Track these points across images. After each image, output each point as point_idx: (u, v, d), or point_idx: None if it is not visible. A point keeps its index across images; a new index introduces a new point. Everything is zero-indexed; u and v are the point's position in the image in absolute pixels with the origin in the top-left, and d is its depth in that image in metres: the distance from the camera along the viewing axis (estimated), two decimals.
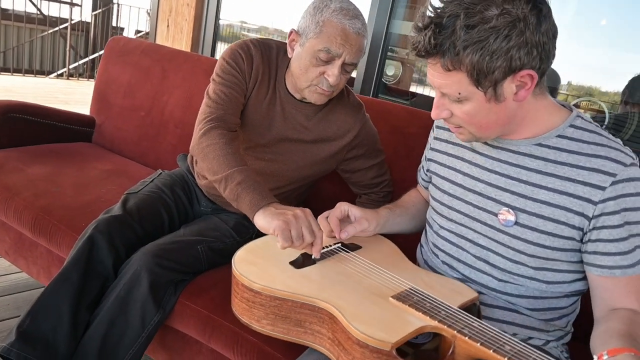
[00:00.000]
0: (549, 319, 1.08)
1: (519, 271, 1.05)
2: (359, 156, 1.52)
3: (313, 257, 1.10)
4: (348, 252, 1.15)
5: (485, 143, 1.08)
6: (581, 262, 1.02)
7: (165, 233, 1.47)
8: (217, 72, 1.41)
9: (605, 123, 1.99)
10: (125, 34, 8.43)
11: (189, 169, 1.67)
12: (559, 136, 1.00)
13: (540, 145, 1.01)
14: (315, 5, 1.32)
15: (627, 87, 2.05)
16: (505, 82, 0.91)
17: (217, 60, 2.16)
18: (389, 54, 2.31)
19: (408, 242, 1.32)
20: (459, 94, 0.94)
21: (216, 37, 3.06)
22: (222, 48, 3.24)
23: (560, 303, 1.08)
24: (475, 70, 0.89)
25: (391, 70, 2.41)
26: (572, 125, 1.01)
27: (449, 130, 1.19)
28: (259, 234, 1.52)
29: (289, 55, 1.39)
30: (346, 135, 1.47)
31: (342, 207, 1.19)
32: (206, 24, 3.02)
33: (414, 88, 2.56)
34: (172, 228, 1.50)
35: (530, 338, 1.08)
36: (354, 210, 1.19)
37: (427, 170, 1.27)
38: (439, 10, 0.91)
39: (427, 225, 1.27)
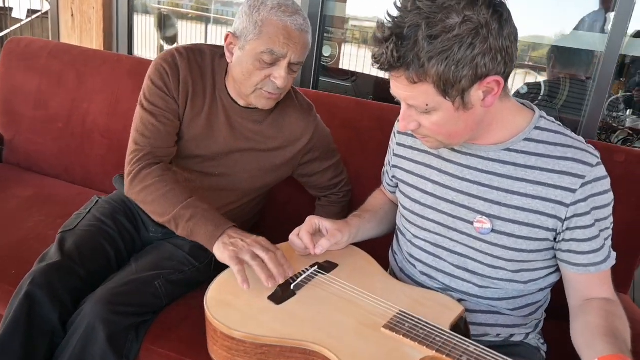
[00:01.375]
0: (527, 314, 1.11)
1: (498, 275, 1.06)
2: (315, 159, 1.45)
3: (292, 287, 1.02)
4: (325, 274, 1.08)
5: (453, 150, 1.07)
6: (554, 257, 1.05)
7: (114, 270, 1.32)
8: (144, 94, 1.29)
9: (542, 93, 2.03)
10: (15, 15, 7.56)
11: None
12: (526, 139, 1.00)
13: (508, 150, 1.01)
14: (250, 4, 1.20)
15: (552, 52, 2.08)
16: (472, 89, 0.89)
17: (139, 59, 1.98)
18: (325, 34, 2.20)
19: (377, 245, 1.27)
20: (427, 105, 0.91)
21: (132, 28, 2.78)
22: (141, 24, 2.96)
23: (537, 297, 1.11)
24: (441, 81, 0.86)
25: (327, 51, 2.31)
26: (537, 128, 1.01)
27: (412, 136, 1.15)
28: None
29: (228, 60, 1.27)
30: (299, 140, 1.39)
31: (313, 221, 1.15)
32: (118, 11, 2.74)
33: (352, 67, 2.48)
34: (120, 262, 1.36)
35: (512, 335, 1.11)
36: (325, 223, 1.15)
37: (393, 177, 1.24)
38: (397, 20, 0.87)
39: (398, 232, 1.24)
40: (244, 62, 1.21)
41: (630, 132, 1.84)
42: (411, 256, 1.17)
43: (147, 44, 3.24)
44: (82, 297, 1.18)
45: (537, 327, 1.16)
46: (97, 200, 1.49)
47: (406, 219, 1.17)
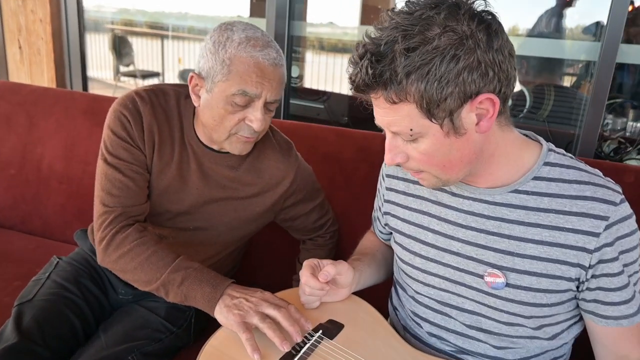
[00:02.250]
0: None
1: (518, 333, 0.93)
2: (298, 202, 1.32)
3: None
4: (330, 341, 0.94)
5: (453, 194, 0.95)
6: (577, 307, 0.93)
7: (81, 342, 1.17)
8: (105, 147, 1.15)
9: (527, 104, 1.94)
10: None
11: (92, 249, 1.35)
12: (536, 178, 0.89)
13: (517, 192, 0.89)
14: (215, 39, 1.07)
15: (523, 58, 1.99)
16: (463, 110, 0.78)
17: (94, 95, 1.83)
18: (293, 55, 2.09)
19: (372, 295, 1.14)
20: (411, 130, 0.80)
21: (85, 58, 2.61)
22: (94, 43, 2.77)
23: (560, 352, 1.00)
24: (424, 100, 0.76)
25: (295, 71, 2.20)
26: (546, 163, 0.89)
27: (403, 179, 1.05)
28: (198, 313, 1.30)
29: (195, 104, 1.14)
30: (281, 183, 1.26)
31: (311, 262, 1.02)
32: (69, 41, 2.57)
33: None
34: (88, 332, 1.20)
35: None
36: (324, 262, 1.02)
37: (386, 225, 1.11)
38: (374, 38, 0.78)
39: (397, 286, 1.12)
40: (213, 106, 1.09)
41: (622, 140, 1.76)
42: (416, 315, 1.05)
43: (102, 65, 3.07)
44: None
45: None
46: (57, 262, 1.33)
47: (406, 274, 1.05)
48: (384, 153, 1.42)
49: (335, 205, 1.44)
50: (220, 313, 0.99)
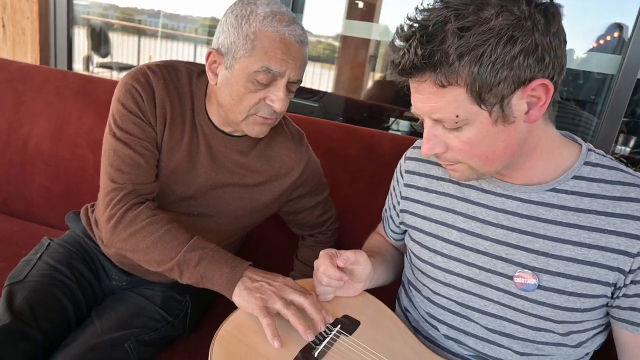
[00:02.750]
0: None
1: (544, 339, 0.89)
2: (304, 194, 1.29)
3: (315, 355, 0.85)
4: (348, 336, 0.91)
5: (484, 191, 0.92)
6: (606, 315, 0.89)
7: (73, 327, 1.12)
8: (114, 121, 1.08)
9: None
10: None
11: (85, 232, 1.30)
12: (576, 177, 0.85)
13: (555, 190, 0.86)
14: (237, 13, 1.01)
15: None
16: (514, 96, 0.75)
17: (88, 77, 1.76)
18: None
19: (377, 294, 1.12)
20: (457, 117, 0.76)
21: (71, 39, 2.53)
22: (81, 40, 2.71)
23: None
24: (476, 84, 0.72)
25: None
26: (587, 163, 0.86)
27: (426, 175, 1.02)
28: (194, 304, 1.26)
29: (211, 82, 1.08)
30: (290, 173, 1.22)
31: (330, 251, 0.97)
32: (55, 20, 2.48)
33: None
34: (80, 318, 1.15)
35: None
36: (343, 251, 0.98)
37: (401, 223, 1.08)
38: (421, 19, 0.74)
39: (410, 287, 1.08)
40: (233, 83, 1.03)
41: (623, 161, 1.77)
42: (431, 316, 1.00)
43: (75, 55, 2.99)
44: None
45: None
46: (49, 243, 1.26)
47: (423, 273, 1.01)
48: (390, 153, 1.44)
49: (337, 202, 1.42)
50: (239, 295, 0.94)
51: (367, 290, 1.06)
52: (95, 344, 1.03)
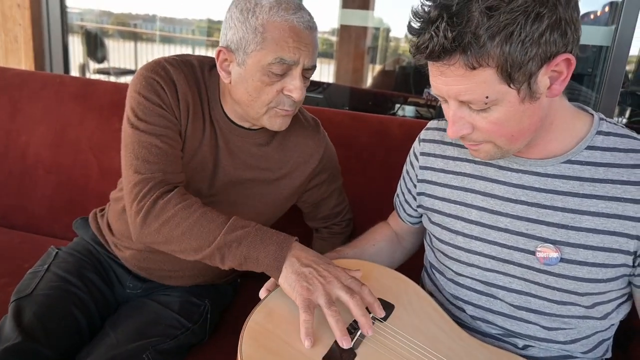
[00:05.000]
0: (601, 355, 0.95)
1: (570, 312, 0.89)
2: (322, 183, 1.24)
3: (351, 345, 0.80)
4: (383, 322, 0.87)
5: (501, 167, 0.91)
6: (627, 285, 0.89)
7: (86, 341, 1.07)
8: (135, 114, 1.02)
9: None
10: None
11: (95, 239, 1.25)
12: (589, 148, 0.85)
13: (570, 162, 0.85)
14: (241, 7, 0.97)
15: None
16: (540, 73, 0.74)
17: (87, 80, 1.71)
18: None
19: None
20: (487, 98, 0.75)
21: (67, 46, 2.47)
22: (76, 47, 2.66)
23: (608, 333, 0.95)
24: (507, 63, 0.71)
25: None
26: (599, 132, 0.85)
27: (442, 156, 0.99)
28: (212, 307, 1.21)
29: (225, 80, 1.04)
30: (309, 161, 1.18)
31: None
32: (49, 27, 2.43)
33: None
34: (93, 330, 1.10)
35: None
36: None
37: (419, 206, 1.06)
38: (442, 0, 0.71)
39: (433, 270, 1.06)
40: (248, 79, 0.99)
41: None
42: (457, 298, 0.99)
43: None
44: None
45: None
46: (57, 253, 1.21)
47: (445, 255, 0.99)
48: (401, 137, 1.38)
49: (349, 191, 1.37)
50: (285, 279, 0.87)
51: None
52: (112, 356, 0.98)
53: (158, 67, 1.03)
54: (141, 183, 0.98)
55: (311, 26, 0.99)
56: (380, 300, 0.89)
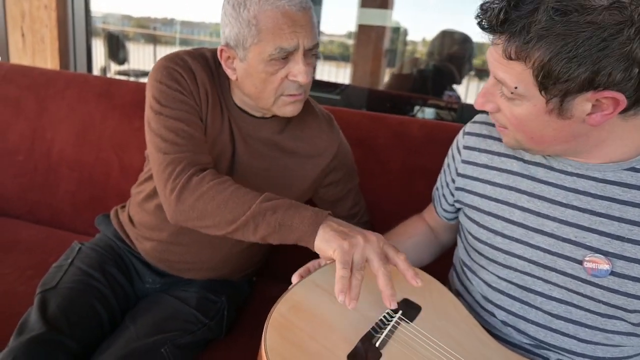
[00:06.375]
0: None
1: (615, 327, 0.83)
2: (338, 181, 1.23)
3: (376, 345, 0.79)
4: (409, 323, 0.85)
5: (553, 169, 0.86)
6: None
7: (107, 334, 1.09)
8: (158, 102, 1.03)
9: None
10: None
11: (116, 234, 1.28)
12: None
13: (633, 170, 0.80)
14: (233, 2, 0.98)
15: None
16: (579, 97, 0.69)
17: (110, 79, 1.75)
18: None
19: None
20: (515, 88, 0.72)
21: (90, 46, 2.53)
22: (98, 49, 2.72)
23: None
24: (543, 71, 0.68)
25: None
26: None
27: (486, 151, 0.96)
28: (229, 304, 1.23)
29: (232, 78, 1.05)
30: (323, 154, 1.17)
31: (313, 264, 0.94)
32: (74, 28, 2.48)
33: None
34: (113, 324, 1.12)
35: None
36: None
37: (456, 201, 1.03)
38: None
39: (462, 269, 1.03)
40: (252, 73, 1.00)
41: None
42: (488, 301, 0.95)
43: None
44: None
45: None
46: (80, 248, 1.24)
47: (480, 254, 0.95)
48: (421, 139, 1.38)
49: (368, 193, 1.37)
50: (322, 238, 0.84)
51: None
52: (131, 349, 1.00)
53: (177, 58, 1.05)
54: (173, 163, 0.98)
55: (304, 6, 0.97)
56: (407, 301, 0.89)
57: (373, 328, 0.81)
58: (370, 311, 0.83)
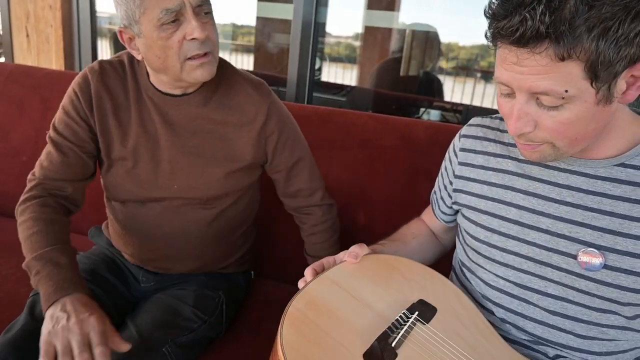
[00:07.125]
0: None
1: (609, 322, 0.84)
2: (280, 147, 1.19)
3: (392, 345, 0.78)
4: (425, 324, 0.85)
5: (546, 166, 0.87)
6: None
7: None
8: (53, 123, 1.16)
9: None
10: None
11: (110, 244, 1.31)
12: None
13: (623, 165, 0.81)
14: None
15: None
16: (621, 76, 0.70)
17: None
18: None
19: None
20: (566, 92, 0.70)
21: (96, 46, 2.53)
22: (105, 50, 2.72)
23: None
24: (598, 61, 0.67)
25: (316, 63, 2.12)
26: None
27: (482, 152, 0.97)
28: (228, 300, 1.22)
29: (138, 58, 1.07)
30: (255, 118, 1.14)
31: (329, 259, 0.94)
32: (79, 27, 2.48)
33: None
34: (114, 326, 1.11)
35: None
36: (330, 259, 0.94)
37: (454, 203, 1.03)
38: None
39: (462, 269, 1.04)
40: (151, 44, 1.00)
41: None
42: (486, 299, 0.96)
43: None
44: None
45: None
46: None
47: (478, 253, 0.96)
48: (427, 141, 1.37)
49: (374, 195, 1.36)
50: (46, 320, 0.92)
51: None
52: (132, 348, 0.99)
53: (79, 77, 1.15)
54: (28, 182, 1.15)
55: None
56: (422, 301, 0.88)
57: (389, 328, 0.81)
58: (386, 311, 0.83)
